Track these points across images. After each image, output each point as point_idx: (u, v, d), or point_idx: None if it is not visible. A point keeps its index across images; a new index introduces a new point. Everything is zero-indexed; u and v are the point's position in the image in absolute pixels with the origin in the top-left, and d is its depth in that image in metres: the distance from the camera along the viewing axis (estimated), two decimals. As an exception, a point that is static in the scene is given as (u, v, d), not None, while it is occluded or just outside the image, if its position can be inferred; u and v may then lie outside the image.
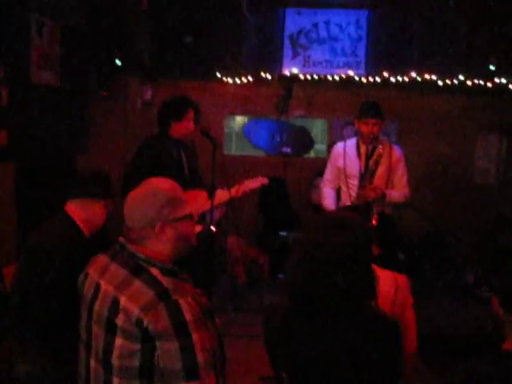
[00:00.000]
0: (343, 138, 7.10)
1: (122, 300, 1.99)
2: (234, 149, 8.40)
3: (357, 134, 4.93)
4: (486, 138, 7.58)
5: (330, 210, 4.92)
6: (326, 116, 7.62)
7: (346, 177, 4.88)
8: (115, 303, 2.01)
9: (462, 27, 6.24)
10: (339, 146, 5.03)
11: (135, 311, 1.94)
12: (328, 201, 5.00)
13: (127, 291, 2.01)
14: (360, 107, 4.81)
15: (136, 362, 1.96)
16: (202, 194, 4.60)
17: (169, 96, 4.78)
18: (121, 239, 2.17)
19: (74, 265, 2.62)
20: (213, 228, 4.51)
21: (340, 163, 4.91)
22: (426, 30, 6.52)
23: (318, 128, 8.33)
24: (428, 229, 7.31)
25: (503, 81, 6.64)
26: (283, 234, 6.73)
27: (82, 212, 2.95)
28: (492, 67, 6.44)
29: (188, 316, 1.94)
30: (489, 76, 6.60)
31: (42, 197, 4.74)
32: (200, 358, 1.93)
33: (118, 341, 1.98)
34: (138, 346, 1.95)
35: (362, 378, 1.79)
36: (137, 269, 2.07)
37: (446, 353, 4.68)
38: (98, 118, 6.63)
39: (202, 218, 4.57)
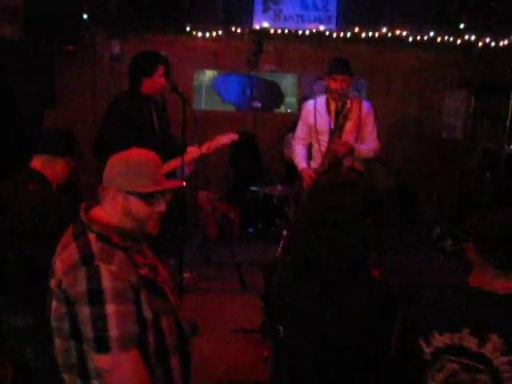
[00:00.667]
0: (313, 93, 7.14)
1: (56, 263, 2.00)
2: (203, 103, 8.33)
3: (327, 89, 4.93)
4: (454, 94, 7.66)
5: (301, 166, 4.97)
6: (296, 71, 7.59)
7: (317, 133, 4.91)
8: (52, 266, 2.02)
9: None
10: (310, 103, 5.04)
11: (59, 273, 1.95)
12: (299, 158, 5.04)
13: (62, 254, 2.00)
14: (330, 63, 4.81)
15: (66, 324, 1.94)
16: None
17: (138, 51, 4.69)
18: (83, 204, 2.16)
19: (48, 215, 2.66)
20: (183, 183, 4.52)
21: (311, 120, 4.94)
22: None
23: (288, 83, 8.30)
24: (396, 183, 7.42)
25: (472, 38, 6.69)
26: (254, 188, 6.77)
27: (46, 168, 2.97)
28: (462, 25, 6.47)
29: (106, 284, 1.86)
30: (459, 33, 6.63)
31: (7, 151, 4.67)
32: (113, 330, 1.85)
33: (53, 303, 1.97)
34: (65, 309, 1.93)
35: (358, 340, 1.82)
36: (78, 232, 2.05)
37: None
38: (66, 72, 6.49)
39: (173, 174, 4.57)
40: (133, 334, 1.89)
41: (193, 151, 4.63)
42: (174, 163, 4.54)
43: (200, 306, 4.72)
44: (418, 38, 6.82)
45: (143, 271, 2.01)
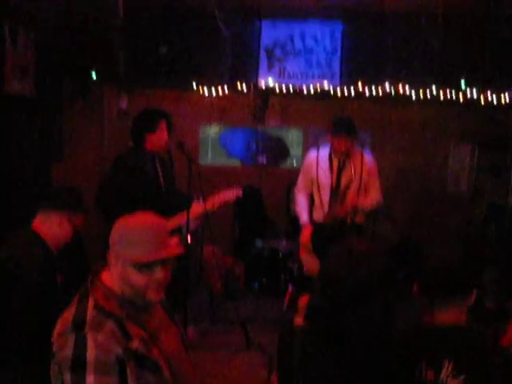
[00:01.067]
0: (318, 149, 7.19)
1: (57, 323, 2.02)
2: (209, 158, 8.39)
3: (331, 146, 4.96)
4: (458, 149, 7.69)
5: (303, 220, 4.98)
6: (301, 126, 7.66)
7: (319, 188, 4.93)
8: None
9: (434, 41, 6.33)
10: (312, 155, 5.06)
11: (54, 335, 1.97)
12: (301, 209, 5.08)
13: (63, 315, 2.02)
14: (333, 122, 4.84)
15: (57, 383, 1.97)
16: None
17: (140, 109, 4.77)
18: (94, 265, 2.17)
19: (43, 283, 2.62)
20: (188, 238, 4.52)
21: (313, 173, 4.97)
22: (399, 43, 6.60)
23: (293, 138, 8.37)
24: (399, 238, 7.37)
25: (474, 93, 6.76)
26: (259, 243, 6.76)
27: (49, 226, 2.91)
28: (463, 81, 6.55)
29: (90, 354, 1.88)
30: (460, 89, 6.71)
31: (16, 207, 4.70)
32: None
33: (52, 363, 1.99)
34: (56, 369, 1.96)
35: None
36: (82, 296, 2.07)
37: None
38: (74, 127, 6.58)
39: (178, 230, 4.57)
40: None
41: (197, 207, 4.64)
42: (180, 219, 4.56)
43: (205, 363, 4.64)
44: (421, 94, 6.90)
45: (134, 344, 1.97)
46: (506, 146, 7.06)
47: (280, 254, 6.46)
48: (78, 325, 1.93)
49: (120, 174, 4.48)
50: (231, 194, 4.85)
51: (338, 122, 4.80)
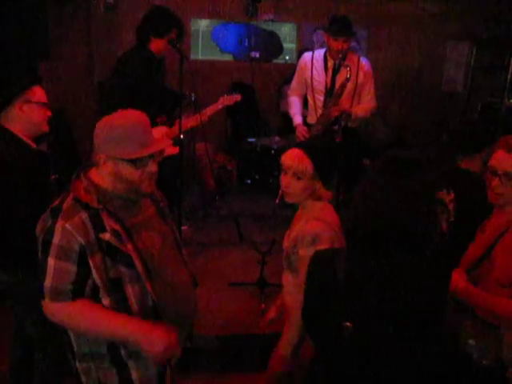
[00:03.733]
0: (313, 44, 7.04)
1: None
2: (200, 53, 8.21)
3: (326, 45, 4.84)
4: (456, 46, 7.55)
5: (296, 121, 4.96)
6: (295, 20, 7.45)
7: (313, 91, 4.87)
8: None
9: None
10: (307, 56, 4.96)
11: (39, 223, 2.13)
12: (294, 110, 5.03)
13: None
14: (330, 21, 4.69)
15: None
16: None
17: (156, 5, 4.56)
18: (88, 162, 2.24)
19: (33, 182, 2.61)
20: (181, 136, 4.49)
21: (307, 75, 4.89)
22: None
23: (287, 32, 8.17)
24: (395, 137, 7.38)
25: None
26: (251, 140, 6.75)
27: (19, 118, 2.75)
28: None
29: (55, 239, 2.02)
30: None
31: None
32: (48, 281, 2.04)
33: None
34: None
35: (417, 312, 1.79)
36: (67, 189, 2.17)
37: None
38: (59, 24, 6.34)
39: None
40: (65, 289, 2.04)
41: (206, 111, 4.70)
42: (193, 122, 4.62)
43: (198, 258, 4.75)
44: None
45: (105, 236, 2.07)
46: (505, 44, 6.90)
47: (272, 151, 6.46)
48: (55, 213, 2.07)
49: (124, 75, 4.34)
50: (230, 99, 4.81)
51: (335, 22, 4.65)
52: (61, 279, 2.04)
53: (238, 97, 4.84)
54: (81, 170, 2.21)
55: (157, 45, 4.37)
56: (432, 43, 7.45)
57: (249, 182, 6.80)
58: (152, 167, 2.17)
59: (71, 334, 2.20)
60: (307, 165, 2.43)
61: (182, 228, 4.81)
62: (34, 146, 2.83)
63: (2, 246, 2.68)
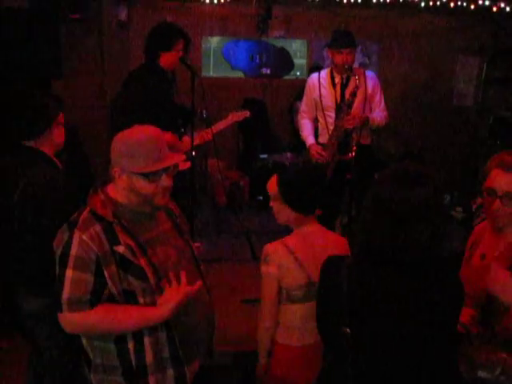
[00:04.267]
0: (323, 60, 7.06)
1: None
2: (212, 70, 8.26)
3: (331, 62, 4.86)
4: (466, 60, 7.54)
5: (309, 142, 4.95)
6: (306, 36, 7.48)
7: (323, 109, 4.86)
8: None
9: None
10: (313, 76, 4.97)
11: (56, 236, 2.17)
12: (306, 132, 5.02)
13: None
14: (332, 36, 4.71)
15: None
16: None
17: (158, 23, 4.59)
18: (105, 177, 2.29)
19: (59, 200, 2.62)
20: (192, 152, 4.51)
21: (316, 94, 4.89)
22: None
23: (297, 49, 8.20)
24: (405, 150, 7.36)
25: (487, 3, 6.54)
26: (263, 156, 6.75)
27: (50, 140, 2.81)
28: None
29: (73, 251, 2.06)
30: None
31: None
32: (65, 292, 2.07)
33: None
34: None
35: (438, 337, 1.80)
36: (85, 203, 2.22)
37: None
38: (72, 41, 6.40)
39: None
40: (82, 299, 2.07)
41: (204, 135, 4.72)
42: (206, 135, 4.67)
43: (210, 275, 4.72)
44: (431, 2, 6.68)
45: (120, 249, 2.11)
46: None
47: (284, 167, 6.45)
48: (72, 225, 2.12)
49: (134, 91, 4.36)
50: (240, 116, 4.84)
51: (337, 35, 4.68)
52: (78, 289, 2.06)
53: (246, 113, 4.90)
54: (99, 184, 2.26)
55: (166, 59, 4.37)
56: (442, 57, 7.44)
57: (261, 198, 6.78)
58: (166, 181, 2.20)
59: (87, 344, 2.22)
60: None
61: (194, 244, 4.79)
62: (59, 165, 2.88)
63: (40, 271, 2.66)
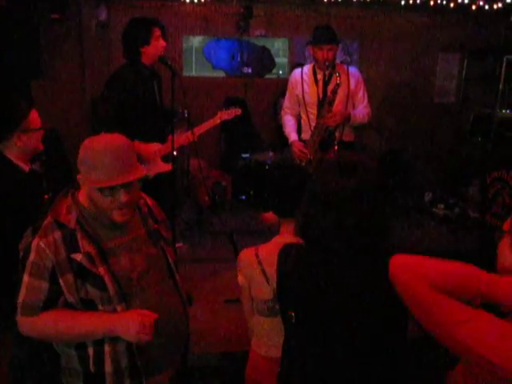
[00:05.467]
0: (304, 58, 7.07)
1: None
2: (193, 70, 8.24)
3: (313, 58, 4.85)
4: (447, 57, 7.59)
5: (291, 139, 4.93)
6: (287, 35, 7.48)
7: (305, 105, 4.85)
8: None
9: None
10: (296, 72, 4.96)
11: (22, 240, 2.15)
12: (289, 129, 4.99)
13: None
14: (313, 32, 4.70)
15: None
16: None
17: (128, 20, 4.52)
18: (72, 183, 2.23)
19: (26, 204, 2.59)
20: (174, 152, 4.47)
21: (298, 91, 4.87)
22: None
23: (279, 47, 8.21)
24: (388, 148, 7.39)
25: (466, 1, 6.59)
26: (245, 155, 6.74)
27: (17, 147, 2.77)
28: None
29: (30, 257, 2.05)
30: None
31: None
32: (21, 297, 2.07)
33: None
34: None
35: (374, 323, 1.79)
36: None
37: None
38: (52, 42, 6.35)
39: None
40: (35, 305, 2.06)
41: (202, 127, 4.59)
42: (187, 137, 4.52)
43: (193, 275, 4.72)
44: (411, 1, 6.72)
45: (77, 257, 2.06)
46: (496, 54, 6.93)
47: (266, 166, 6.45)
48: (34, 231, 2.09)
49: (117, 91, 4.29)
50: (230, 113, 4.71)
51: (319, 31, 4.67)
52: (33, 296, 2.06)
53: (237, 111, 4.71)
54: (70, 188, 2.20)
55: (148, 53, 4.28)
56: (423, 55, 7.49)
57: (243, 197, 6.78)
58: (123, 197, 2.08)
59: (56, 347, 2.22)
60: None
61: (177, 245, 4.77)
62: (27, 168, 2.83)
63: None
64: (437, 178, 7.56)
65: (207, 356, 3.74)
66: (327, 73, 4.70)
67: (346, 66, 4.88)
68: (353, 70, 4.87)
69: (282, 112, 5.11)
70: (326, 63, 4.60)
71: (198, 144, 4.79)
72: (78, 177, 2.11)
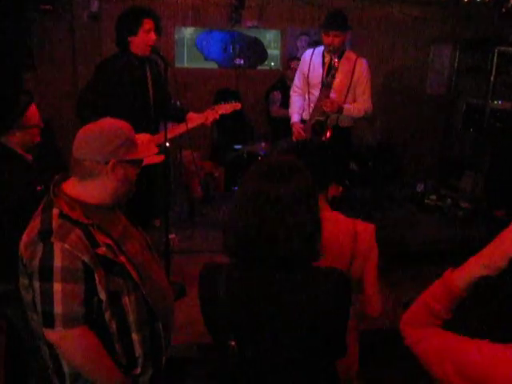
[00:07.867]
0: (297, 50, 7.06)
1: (23, 234, 2.04)
2: (185, 61, 8.21)
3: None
4: (439, 49, 7.60)
5: (292, 120, 4.96)
6: (279, 27, 7.47)
7: (309, 85, 4.89)
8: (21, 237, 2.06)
9: None
10: (307, 52, 5.00)
11: (21, 247, 2.01)
12: (293, 109, 5.04)
13: (29, 227, 2.05)
14: (325, 17, 4.73)
15: (29, 297, 2.04)
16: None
17: (123, 10, 4.48)
18: (58, 176, 2.17)
19: (24, 196, 2.60)
20: (167, 144, 4.45)
21: (305, 70, 4.93)
22: None
23: (271, 39, 8.19)
24: (380, 140, 7.41)
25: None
26: (238, 147, 6.74)
27: (16, 141, 2.83)
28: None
29: (57, 263, 1.91)
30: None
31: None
32: (57, 308, 1.93)
33: (21, 276, 2.06)
34: (26, 281, 2.01)
35: (312, 336, 1.73)
36: (46, 206, 2.07)
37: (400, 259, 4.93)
38: (43, 33, 6.32)
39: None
40: (78, 313, 1.97)
41: (195, 118, 4.48)
42: (179, 129, 4.44)
43: (186, 267, 4.73)
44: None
45: (101, 250, 2.02)
46: (488, 46, 6.95)
47: (259, 157, 6.44)
48: (45, 234, 1.95)
49: (102, 78, 4.25)
50: (230, 107, 4.66)
51: (329, 17, 4.68)
52: (73, 303, 1.95)
53: (237, 105, 4.66)
54: (54, 184, 2.13)
55: (136, 44, 4.23)
56: (415, 46, 7.51)
57: (236, 188, 6.76)
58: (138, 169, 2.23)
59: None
60: None
61: (170, 236, 4.77)
62: (30, 159, 2.88)
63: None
64: (429, 169, 7.58)
65: (198, 345, 3.75)
66: (334, 57, 4.72)
67: (355, 55, 4.87)
68: (362, 61, 4.85)
69: (292, 91, 5.14)
70: (331, 48, 4.62)
71: (190, 135, 4.79)
72: (108, 163, 2.06)
